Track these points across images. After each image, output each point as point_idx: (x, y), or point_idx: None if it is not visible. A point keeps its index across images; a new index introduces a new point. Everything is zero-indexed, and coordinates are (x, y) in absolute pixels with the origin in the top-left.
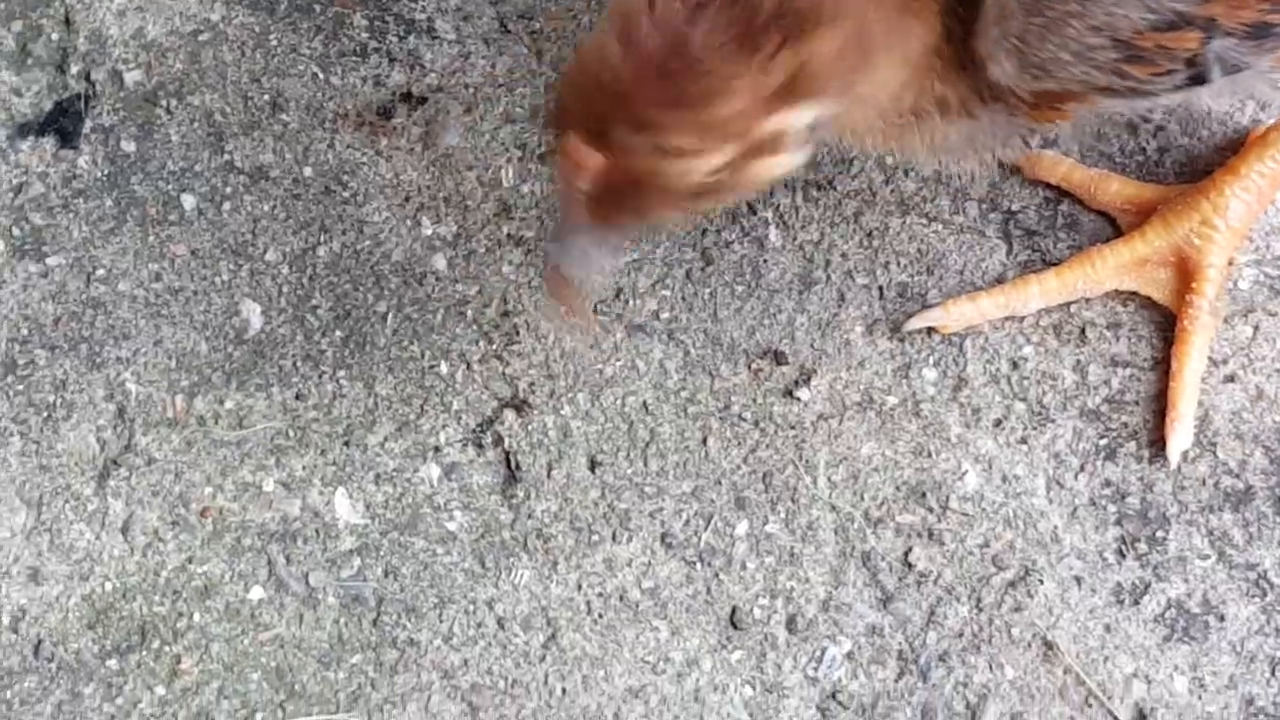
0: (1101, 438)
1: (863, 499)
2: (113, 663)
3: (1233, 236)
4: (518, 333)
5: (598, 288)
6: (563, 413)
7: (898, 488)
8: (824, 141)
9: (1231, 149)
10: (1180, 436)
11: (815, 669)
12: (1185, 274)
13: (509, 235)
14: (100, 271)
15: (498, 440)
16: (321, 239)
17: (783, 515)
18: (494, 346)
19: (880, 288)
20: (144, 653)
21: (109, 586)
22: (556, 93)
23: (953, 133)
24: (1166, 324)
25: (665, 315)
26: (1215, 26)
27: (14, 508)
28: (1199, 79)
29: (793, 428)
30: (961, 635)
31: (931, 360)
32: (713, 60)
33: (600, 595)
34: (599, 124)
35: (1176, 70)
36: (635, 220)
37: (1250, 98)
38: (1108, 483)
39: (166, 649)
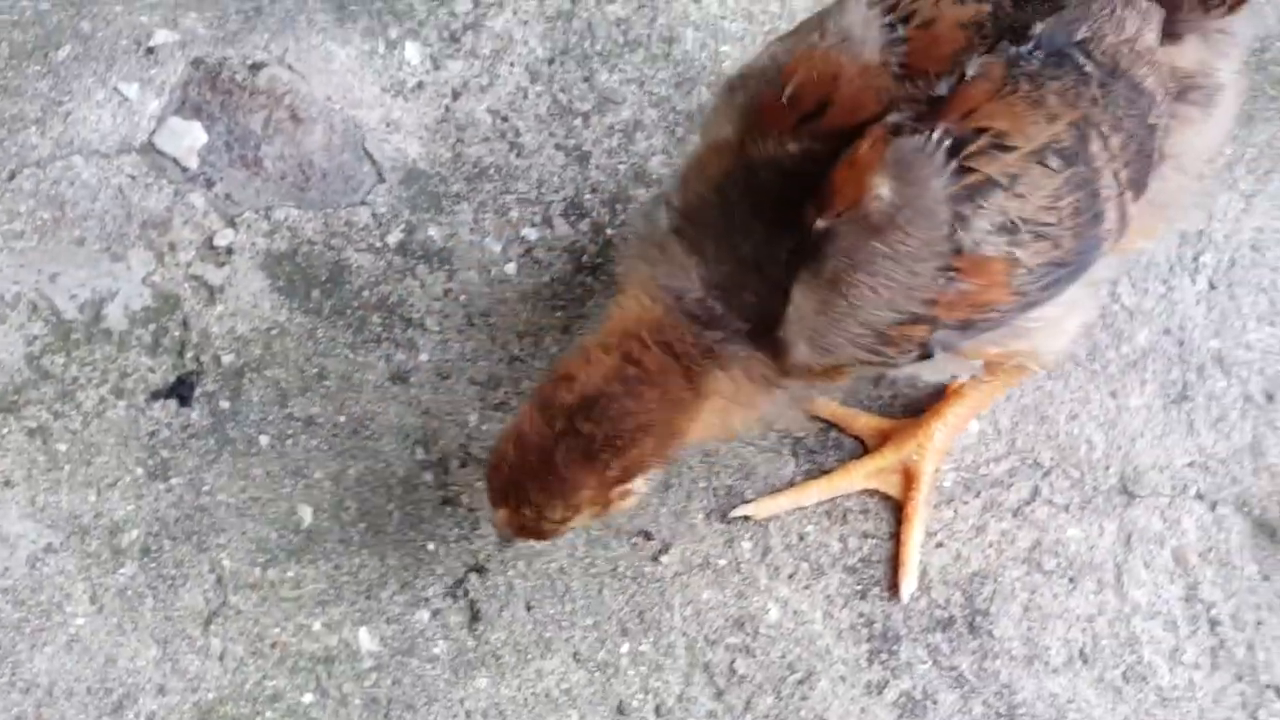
0: (858, 584)
1: (703, 627)
2: None
3: (938, 454)
4: (479, 523)
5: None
6: (508, 574)
7: (726, 620)
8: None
9: (937, 397)
10: (908, 584)
11: None
12: (909, 478)
13: (474, 458)
14: (206, 488)
15: (466, 593)
16: (350, 464)
17: (652, 639)
18: (463, 531)
19: (714, 489)
20: None
21: (210, 696)
22: (489, 468)
23: (775, 402)
24: (898, 510)
25: None
26: (937, 321)
27: (147, 645)
28: (927, 355)
29: (657, 581)
30: (767, 717)
31: (748, 536)
32: (569, 471)
33: (534, 694)
34: (504, 496)
35: (912, 350)
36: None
37: (951, 371)
38: (861, 614)
39: None
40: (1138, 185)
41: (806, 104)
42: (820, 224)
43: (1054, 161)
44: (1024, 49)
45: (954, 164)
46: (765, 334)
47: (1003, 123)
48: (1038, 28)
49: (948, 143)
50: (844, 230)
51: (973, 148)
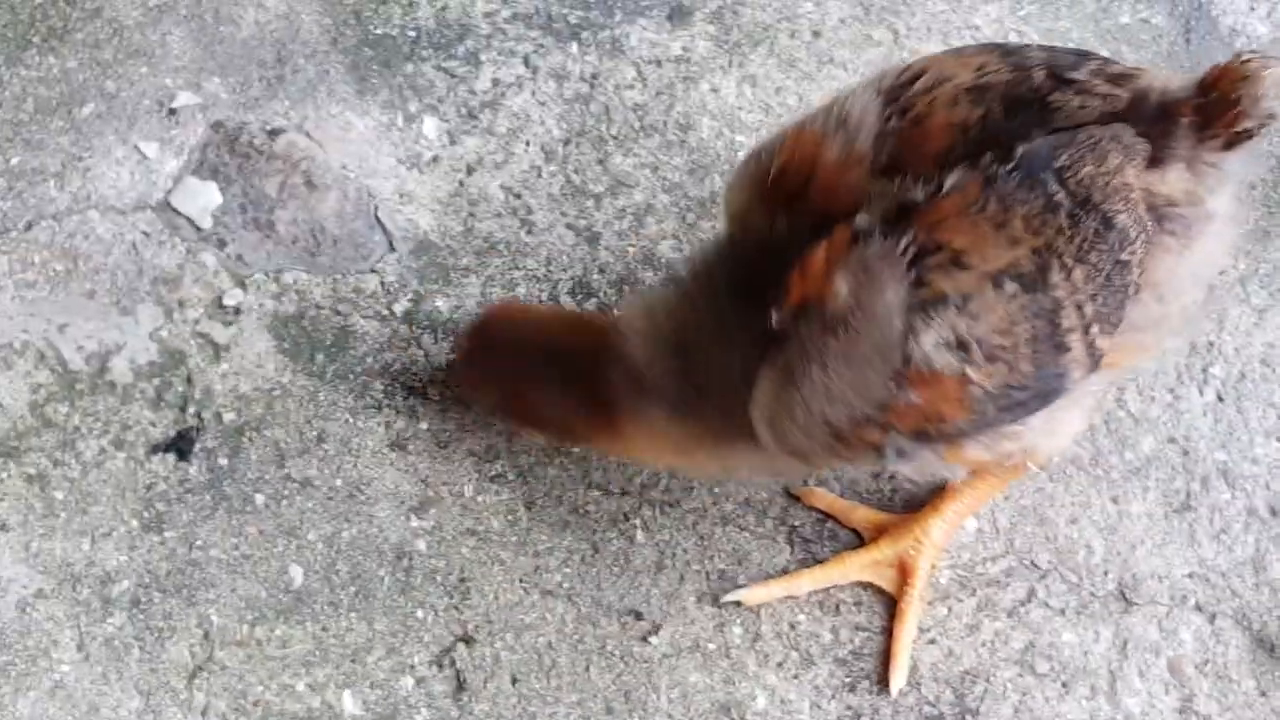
0: (847, 676)
1: (689, 711)
2: None
3: (935, 550)
4: (469, 593)
5: None
6: (495, 646)
7: (712, 704)
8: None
9: (936, 492)
10: (898, 679)
11: None
12: (904, 572)
13: (468, 529)
14: (199, 543)
15: (453, 663)
16: (344, 527)
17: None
18: (453, 600)
19: (707, 573)
20: None
21: None
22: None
23: (740, 462)
24: (891, 604)
25: (567, 585)
26: (891, 427)
27: (131, 695)
28: (882, 458)
29: (645, 662)
30: None
31: (739, 621)
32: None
33: None
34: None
35: (868, 451)
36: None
37: (937, 474)
38: (849, 707)
39: None
40: (1107, 319)
41: (790, 184)
42: (774, 318)
43: (1009, 286)
44: (1003, 169)
45: (913, 274)
46: (734, 402)
47: (963, 240)
48: (1020, 149)
49: (911, 252)
50: (804, 322)
51: (931, 261)
